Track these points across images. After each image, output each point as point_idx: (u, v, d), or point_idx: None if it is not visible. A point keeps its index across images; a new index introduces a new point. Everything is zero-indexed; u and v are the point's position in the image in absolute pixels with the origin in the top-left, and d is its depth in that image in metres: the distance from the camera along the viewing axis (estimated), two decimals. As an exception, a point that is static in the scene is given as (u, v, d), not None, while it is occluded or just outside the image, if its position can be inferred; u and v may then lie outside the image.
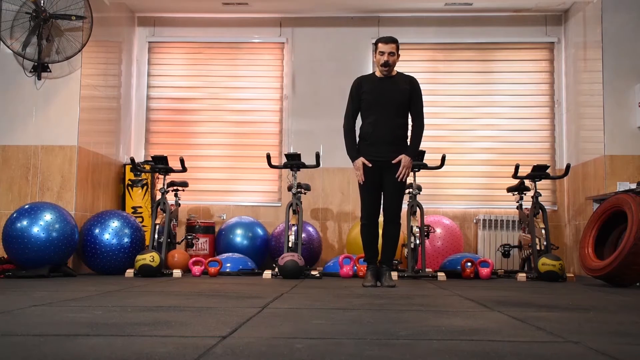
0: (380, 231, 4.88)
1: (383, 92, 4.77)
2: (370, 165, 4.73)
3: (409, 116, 4.89)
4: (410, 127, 4.89)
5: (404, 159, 4.72)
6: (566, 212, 7.34)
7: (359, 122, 4.93)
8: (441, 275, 5.77)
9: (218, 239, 6.96)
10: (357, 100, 4.85)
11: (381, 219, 4.89)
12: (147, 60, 7.80)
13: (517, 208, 6.50)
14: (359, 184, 4.82)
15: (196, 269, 5.96)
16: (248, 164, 7.61)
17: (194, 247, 6.82)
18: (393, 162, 4.71)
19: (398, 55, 4.79)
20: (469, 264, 5.98)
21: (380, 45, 4.74)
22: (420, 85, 4.97)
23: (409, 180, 6.15)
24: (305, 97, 7.63)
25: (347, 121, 4.86)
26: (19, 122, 6.13)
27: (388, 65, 4.74)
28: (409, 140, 4.85)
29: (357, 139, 4.87)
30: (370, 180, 4.77)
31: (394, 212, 4.80)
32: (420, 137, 4.84)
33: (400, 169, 4.71)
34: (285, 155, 6.22)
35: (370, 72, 7.45)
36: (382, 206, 4.86)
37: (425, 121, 7.39)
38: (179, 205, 6.66)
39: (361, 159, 4.75)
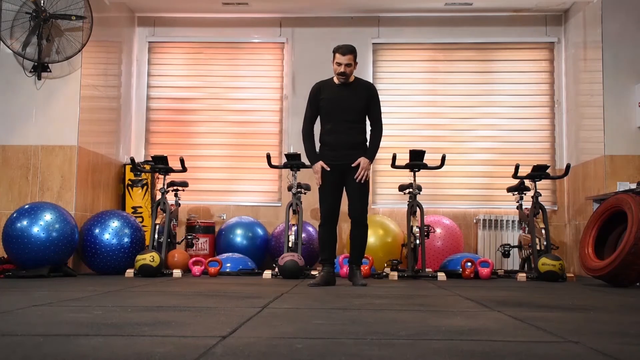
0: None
1: (341, 98, 4.83)
2: (328, 169, 4.80)
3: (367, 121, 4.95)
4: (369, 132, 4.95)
5: (362, 161, 4.79)
6: (566, 212, 7.33)
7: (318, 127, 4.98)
8: (441, 275, 5.76)
9: (218, 239, 6.96)
10: (315, 106, 4.94)
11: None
12: (147, 60, 7.80)
13: (517, 208, 6.50)
14: (318, 186, 4.87)
15: (196, 269, 5.96)
16: (248, 164, 7.61)
17: (194, 247, 6.82)
18: (352, 165, 4.78)
19: (355, 64, 4.84)
20: (469, 264, 5.98)
21: (337, 55, 4.78)
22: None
23: (409, 180, 6.16)
24: (305, 97, 7.49)
25: (305, 126, 4.95)
26: (19, 122, 6.13)
27: (345, 75, 4.80)
28: (368, 143, 4.91)
29: (318, 144, 4.94)
30: (329, 182, 4.82)
31: (359, 214, 4.85)
32: (378, 141, 4.91)
33: (359, 170, 4.77)
34: (285, 155, 6.22)
35: (371, 73, 7.50)
36: (348, 209, 4.89)
37: (425, 121, 7.56)
38: (179, 205, 6.66)
39: (320, 163, 4.82)
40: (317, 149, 4.93)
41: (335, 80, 4.88)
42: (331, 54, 4.69)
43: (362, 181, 4.80)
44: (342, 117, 4.81)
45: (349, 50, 4.76)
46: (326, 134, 4.88)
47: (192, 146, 7.65)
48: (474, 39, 7.62)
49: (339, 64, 4.77)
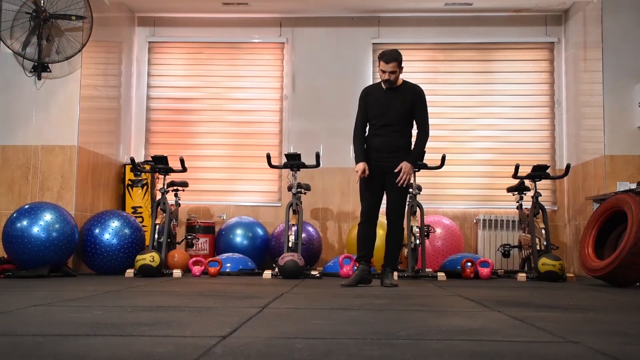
0: (380, 232, 4.92)
1: (387, 102, 4.84)
2: (367, 172, 4.79)
3: (414, 124, 4.95)
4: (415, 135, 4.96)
5: (404, 165, 4.78)
6: (566, 212, 7.33)
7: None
8: (441, 275, 5.77)
9: (218, 239, 6.96)
10: (364, 109, 4.94)
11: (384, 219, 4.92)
12: (147, 60, 7.80)
13: (517, 208, 6.50)
14: (360, 185, 4.87)
15: (196, 269, 5.96)
16: (248, 164, 7.61)
17: (194, 247, 6.82)
18: (395, 170, 4.78)
19: (401, 69, 4.80)
20: (469, 264, 5.98)
21: (381, 63, 4.77)
22: (421, 85, 5.01)
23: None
24: (305, 97, 7.62)
25: (356, 129, 4.96)
26: (19, 122, 6.13)
27: (389, 82, 4.80)
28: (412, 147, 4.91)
29: (365, 145, 4.94)
30: (371, 181, 4.83)
31: (396, 216, 4.87)
32: (423, 145, 4.94)
33: (401, 174, 4.77)
34: (285, 155, 6.22)
35: (372, 73, 7.51)
36: (386, 210, 4.91)
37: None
38: (179, 205, 6.66)
39: (362, 163, 4.82)
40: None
41: (383, 84, 4.88)
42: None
43: (404, 185, 4.81)
44: (386, 121, 4.81)
45: (392, 58, 4.72)
46: (371, 136, 4.89)
47: (192, 146, 7.65)
48: (474, 39, 7.62)
49: (384, 72, 4.75)
